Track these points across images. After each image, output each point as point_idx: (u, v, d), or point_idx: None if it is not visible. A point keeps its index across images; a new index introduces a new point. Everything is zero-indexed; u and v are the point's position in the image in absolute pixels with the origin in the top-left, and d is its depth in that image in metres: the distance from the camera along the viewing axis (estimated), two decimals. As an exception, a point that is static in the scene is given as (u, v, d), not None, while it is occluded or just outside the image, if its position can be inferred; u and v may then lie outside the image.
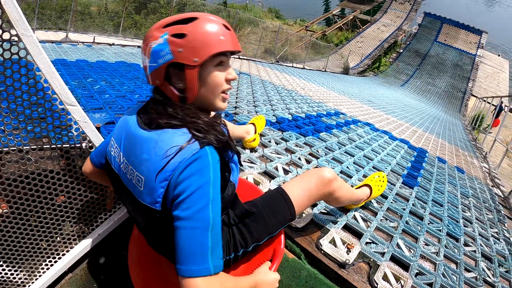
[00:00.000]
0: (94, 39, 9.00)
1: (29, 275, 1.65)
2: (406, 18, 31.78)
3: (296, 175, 2.30)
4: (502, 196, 4.76)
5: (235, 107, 3.92)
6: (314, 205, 2.19)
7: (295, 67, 14.14)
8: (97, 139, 1.58)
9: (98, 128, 2.23)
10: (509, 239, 3.12)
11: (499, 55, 35.29)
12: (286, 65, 13.76)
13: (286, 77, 8.71)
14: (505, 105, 12.47)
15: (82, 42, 6.87)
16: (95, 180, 1.58)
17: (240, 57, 10.94)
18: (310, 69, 15.93)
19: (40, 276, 1.66)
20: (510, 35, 45.26)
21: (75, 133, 1.50)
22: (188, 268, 0.99)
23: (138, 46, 7.75)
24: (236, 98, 4.42)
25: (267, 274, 1.34)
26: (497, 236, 3.05)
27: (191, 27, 1.09)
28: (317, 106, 5.53)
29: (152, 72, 1.12)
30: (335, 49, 25.68)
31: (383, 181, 2.42)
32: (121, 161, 1.20)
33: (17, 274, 1.61)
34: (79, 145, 1.55)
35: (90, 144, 1.57)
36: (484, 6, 59.77)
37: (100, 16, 15.76)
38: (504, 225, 3.46)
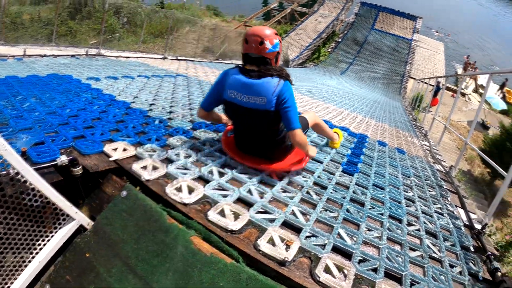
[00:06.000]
0: (25, 51, 8.47)
1: (-22, 311, 1.61)
2: (343, 8, 32.62)
3: (232, 177, 2.46)
4: (444, 171, 4.93)
5: (170, 112, 3.79)
6: (250, 206, 2.14)
7: (234, 64, 13.98)
8: (20, 165, 1.55)
9: (24, 152, 2.13)
10: (453, 212, 3.22)
11: (436, 32, 37.16)
12: (225, 63, 13.58)
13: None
14: (442, 84, 13.04)
15: (13, 56, 6.45)
16: (206, 119, 3.09)
17: (178, 58, 10.66)
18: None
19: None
20: (446, 18, 47.46)
21: (-1, 161, 1.48)
22: (295, 126, 2.40)
23: (72, 55, 7.38)
24: (171, 102, 4.29)
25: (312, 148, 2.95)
26: (440, 211, 3.14)
27: (279, 40, 2.49)
28: None
29: (271, 52, 2.41)
30: (274, 43, 25.83)
31: (340, 135, 3.97)
32: (243, 97, 2.41)
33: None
34: (5, 172, 1.55)
35: (16, 170, 1.54)
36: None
37: (33, 25, 14.93)
38: (447, 199, 3.57)
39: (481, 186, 13.02)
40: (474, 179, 13.67)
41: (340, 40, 28.31)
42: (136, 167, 2.26)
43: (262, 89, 2.33)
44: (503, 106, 23.75)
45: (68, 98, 3.67)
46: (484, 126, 19.25)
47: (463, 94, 23.68)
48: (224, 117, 3.02)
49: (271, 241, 1.85)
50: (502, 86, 26.46)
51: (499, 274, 2.23)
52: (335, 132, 3.84)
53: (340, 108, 7.42)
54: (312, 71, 20.44)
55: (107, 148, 2.46)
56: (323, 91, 10.42)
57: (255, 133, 2.62)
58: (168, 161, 2.50)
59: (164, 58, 9.84)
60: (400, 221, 2.59)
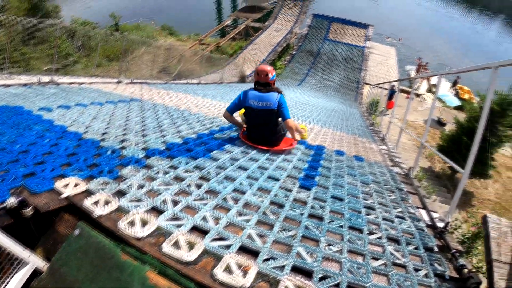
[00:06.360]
0: (-26, 85, 8.05)
1: None
2: (296, 21, 33.62)
3: (186, 205, 2.38)
4: (403, 173, 4.98)
5: (122, 140, 3.69)
6: (205, 233, 2.10)
7: (190, 84, 13.88)
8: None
9: None
10: (414, 214, 3.24)
11: (388, 38, 38.64)
12: (181, 83, 13.40)
13: (180, 96, 8.50)
14: (397, 87, 13.44)
15: (-37, 91, 6.11)
16: (229, 120, 4.60)
17: (133, 81, 10.42)
18: (206, 83, 15.72)
19: None
20: (396, 23, 49.22)
21: None
22: (288, 117, 4.25)
23: (24, 84, 7.08)
24: (124, 130, 4.18)
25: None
26: (401, 215, 3.15)
27: (275, 72, 4.54)
28: (210, 122, 5.41)
29: (271, 80, 4.30)
30: (230, 60, 26.12)
31: (305, 128, 5.81)
32: (258, 103, 4.19)
33: None
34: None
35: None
36: (370, 2, 64.36)
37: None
38: (408, 202, 3.60)
39: (443, 181, 13.42)
40: (436, 175, 14.08)
41: (294, 52, 28.93)
42: (87, 203, 2.20)
43: (269, 98, 4.22)
44: (456, 102, 24.68)
45: (19, 132, 3.53)
46: (440, 123, 19.96)
47: (418, 95, 24.50)
48: (241, 123, 4.94)
49: (228, 269, 1.81)
50: (454, 84, 27.58)
51: (466, 270, 2.26)
52: (302, 127, 5.57)
53: (296, 121, 7.45)
54: (269, 85, 20.69)
55: (58, 184, 2.38)
56: None
57: (263, 126, 4.41)
58: (121, 193, 2.43)
59: (119, 82, 9.63)
60: (360, 231, 2.59)
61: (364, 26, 32.82)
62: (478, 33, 56.49)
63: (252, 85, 4.37)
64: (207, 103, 7.76)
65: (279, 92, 4.31)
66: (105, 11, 34.61)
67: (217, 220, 2.27)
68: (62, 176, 2.57)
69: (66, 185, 2.39)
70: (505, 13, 70.40)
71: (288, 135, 4.71)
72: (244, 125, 4.80)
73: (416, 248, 2.52)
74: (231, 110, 4.48)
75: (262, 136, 4.44)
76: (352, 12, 42.54)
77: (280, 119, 4.41)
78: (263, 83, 4.30)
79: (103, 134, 3.85)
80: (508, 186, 15.33)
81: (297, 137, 4.87)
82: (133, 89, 8.37)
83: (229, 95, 10.95)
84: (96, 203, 2.22)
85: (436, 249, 2.59)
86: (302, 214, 2.61)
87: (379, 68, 28.25)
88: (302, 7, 35.83)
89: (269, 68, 4.29)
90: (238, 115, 4.86)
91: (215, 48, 29.27)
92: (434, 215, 3.38)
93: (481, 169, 12.66)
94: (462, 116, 16.89)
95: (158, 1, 50.50)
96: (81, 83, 8.11)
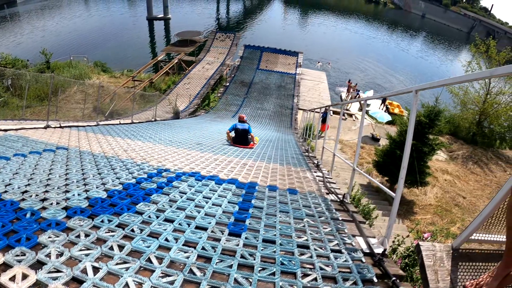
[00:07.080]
0: None
1: None
2: (228, 53, 34.72)
3: (107, 271, 2.21)
4: (338, 200, 4.97)
5: (43, 200, 3.38)
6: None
7: (122, 124, 13.54)
8: None
9: None
10: (351, 244, 3.22)
11: (318, 63, 40.67)
12: (113, 124, 13.01)
13: (110, 140, 8.17)
14: (329, 110, 14.02)
15: None
16: (227, 136, 11.67)
17: (61, 125, 9.82)
18: (139, 122, 15.32)
19: None
20: (325, 49, 51.82)
21: None
22: (251, 131, 11.56)
23: None
24: (46, 186, 3.83)
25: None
26: (338, 248, 3.11)
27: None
28: (138, 169, 5.12)
29: (245, 120, 12.29)
30: (163, 96, 26.16)
31: (256, 138, 12.32)
32: (241, 127, 11.39)
33: None
34: None
35: None
36: (300, 30, 67.62)
37: None
38: (344, 232, 3.58)
39: (383, 194, 13.97)
40: (376, 189, 14.62)
41: (228, 84, 29.52)
42: (4, 279, 2.00)
43: (245, 125, 11.39)
44: (387, 118, 26.08)
45: None
46: (374, 139, 20.95)
47: (350, 115, 25.59)
48: (230, 139, 11.47)
49: None
50: (384, 101, 29.09)
51: (408, 297, 2.27)
52: (256, 138, 11.75)
53: (229, 157, 7.53)
54: (203, 119, 20.75)
55: (-27, 260, 2.14)
56: (213, 140, 11.00)
57: (243, 137, 11.22)
58: (40, 264, 2.23)
59: (47, 127, 9.10)
60: (294, 275, 2.52)
61: (294, 53, 34.36)
62: (402, 50, 60.92)
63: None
64: (137, 146, 7.53)
65: (248, 124, 10.96)
66: (37, 47, 33.84)
67: (140, 285, 2.13)
68: (-22, 249, 2.31)
69: (-20, 260, 2.15)
70: (426, 30, 77.17)
71: (251, 141, 10.97)
72: (231, 141, 10.91)
73: (354, 283, 2.49)
74: (230, 130, 10.92)
75: (243, 142, 10.65)
76: (281, 42, 44.32)
77: (249, 135, 10.76)
78: (242, 121, 11.08)
79: (23, 192, 3.51)
80: (446, 189, 16.28)
81: (256, 141, 11.21)
82: (61, 135, 7.91)
83: (160, 134, 11.03)
84: (13, 278, 2.03)
85: (375, 280, 2.58)
86: (230, 266, 2.51)
87: (311, 92, 29.44)
88: (233, 39, 37.13)
89: (244, 115, 11.67)
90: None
91: (148, 84, 29.08)
92: (372, 241, 3.37)
93: (418, 178, 13.35)
94: (394, 130, 17.79)
95: (91, 38, 49.84)
96: (6, 130, 7.54)
